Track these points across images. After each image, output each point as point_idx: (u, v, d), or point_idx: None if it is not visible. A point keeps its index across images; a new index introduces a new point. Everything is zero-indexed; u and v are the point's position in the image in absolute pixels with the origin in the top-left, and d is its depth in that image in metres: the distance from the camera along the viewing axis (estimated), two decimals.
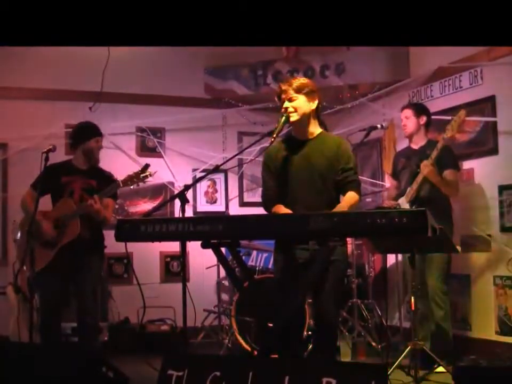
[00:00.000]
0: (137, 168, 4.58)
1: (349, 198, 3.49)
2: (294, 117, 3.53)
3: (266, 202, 3.66)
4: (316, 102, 3.59)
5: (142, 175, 4.46)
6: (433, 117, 5.34)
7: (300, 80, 3.59)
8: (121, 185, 4.48)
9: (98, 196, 4.43)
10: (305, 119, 3.58)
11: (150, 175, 4.50)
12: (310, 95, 3.56)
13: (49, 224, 4.50)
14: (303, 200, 3.50)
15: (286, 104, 3.53)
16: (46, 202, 4.69)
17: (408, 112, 5.01)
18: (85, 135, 4.73)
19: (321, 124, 3.71)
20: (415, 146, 5.03)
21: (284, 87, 3.56)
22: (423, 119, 4.97)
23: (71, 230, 4.45)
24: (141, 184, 4.55)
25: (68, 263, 4.48)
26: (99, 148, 4.75)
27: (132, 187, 4.60)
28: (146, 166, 4.50)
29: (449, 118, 5.39)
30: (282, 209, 3.49)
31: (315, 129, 3.64)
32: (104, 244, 4.74)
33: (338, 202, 3.53)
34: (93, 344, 4.62)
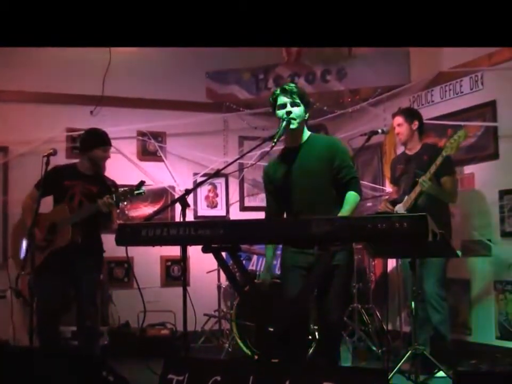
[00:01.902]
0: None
1: (351, 200, 3.49)
2: (294, 125, 3.53)
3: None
4: (309, 112, 3.66)
5: (136, 192, 4.47)
6: (434, 122, 5.35)
7: (301, 88, 3.65)
8: (114, 199, 4.44)
9: (110, 197, 4.44)
10: (300, 128, 3.61)
11: (144, 193, 4.52)
12: (308, 105, 3.62)
13: (41, 228, 4.51)
14: (305, 205, 3.52)
15: (289, 108, 3.53)
16: (48, 204, 4.70)
17: (400, 119, 4.99)
18: (92, 143, 4.69)
19: (321, 128, 3.73)
20: (410, 152, 5.01)
21: (288, 88, 3.55)
22: (416, 124, 4.96)
23: (63, 236, 4.47)
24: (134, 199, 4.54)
25: (60, 267, 4.49)
26: (105, 158, 4.71)
27: (125, 203, 4.61)
28: (142, 183, 4.50)
29: (449, 123, 5.41)
30: None
31: (305, 134, 3.66)
32: (102, 249, 4.74)
33: (339, 199, 3.53)
34: (93, 348, 4.62)
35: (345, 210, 3.43)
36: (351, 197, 3.51)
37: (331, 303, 3.54)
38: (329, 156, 3.54)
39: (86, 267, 4.56)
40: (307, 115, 3.62)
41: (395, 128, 5.05)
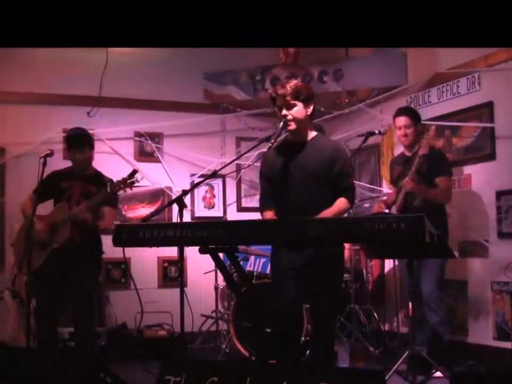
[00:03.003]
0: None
1: (336, 206, 3.49)
2: (292, 126, 3.54)
3: (260, 208, 3.73)
4: (312, 107, 3.60)
5: (129, 181, 4.44)
6: (431, 122, 5.34)
7: (296, 84, 3.56)
8: (109, 191, 4.44)
9: (85, 204, 4.44)
10: (301, 125, 3.59)
11: (137, 181, 4.49)
12: (306, 101, 3.56)
13: (43, 226, 4.51)
14: (298, 203, 3.51)
15: (285, 112, 3.52)
16: (49, 208, 4.71)
17: (408, 121, 4.85)
18: (71, 145, 4.72)
19: (319, 129, 3.72)
20: (408, 153, 4.98)
21: (280, 92, 3.52)
22: (420, 126, 4.93)
23: (62, 235, 4.47)
24: (128, 189, 4.51)
25: (59, 267, 4.48)
26: (81, 161, 4.69)
27: (119, 193, 4.59)
28: (134, 172, 4.48)
29: (446, 124, 5.42)
30: (267, 216, 3.59)
31: (309, 131, 3.66)
32: (101, 250, 4.74)
33: (332, 204, 3.52)
34: (90, 349, 4.62)
35: (328, 212, 3.42)
36: (340, 202, 3.51)
37: (325, 304, 3.54)
38: (331, 161, 3.54)
39: (84, 267, 4.56)
40: (309, 110, 3.58)
41: (400, 128, 4.90)
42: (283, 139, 3.83)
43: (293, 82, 3.60)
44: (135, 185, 4.47)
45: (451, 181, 4.99)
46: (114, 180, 4.52)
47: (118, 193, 4.54)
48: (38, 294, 4.51)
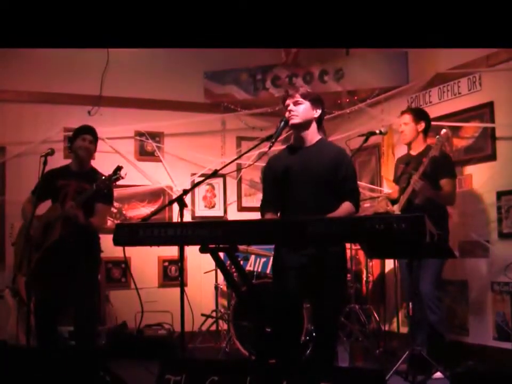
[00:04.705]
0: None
1: (342, 209, 3.49)
2: (295, 120, 3.57)
3: (261, 212, 3.75)
4: (319, 111, 3.65)
5: (113, 177, 4.45)
6: (432, 122, 5.34)
7: (309, 90, 3.68)
8: (94, 188, 4.45)
9: (74, 201, 4.44)
10: (305, 125, 3.62)
11: (122, 177, 4.49)
12: (315, 103, 3.62)
13: (37, 226, 4.51)
14: (303, 207, 3.51)
15: (291, 107, 3.58)
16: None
17: (407, 118, 4.93)
18: (74, 135, 4.75)
19: (322, 133, 3.74)
20: (413, 152, 4.99)
21: (291, 92, 3.63)
22: (422, 126, 4.92)
23: (53, 233, 4.47)
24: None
25: (55, 265, 4.48)
26: (87, 148, 4.69)
27: (113, 189, 4.63)
28: (118, 168, 4.49)
29: (447, 124, 5.42)
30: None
31: (314, 136, 3.67)
32: (99, 248, 4.73)
33: (336, 209, 3.51)
34: (90, 348, 4.61)
35: (333, 215, 3.41)
36: (346, 206, 3.51)
37: (326, 304, 3.54)
38: (335, 166, 3.55)
39: (82, 266, 4.55)
40: (315, 112, 3.63)
41: (400, 125, 4.99)
42: (288, 143, 3.84)
43: (306, 88, 3.73)
44: (119, 181, 4.49)
45: (455, 183, 4.99)
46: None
47: (107, 189, 4.55)
48: (36, 294, 4.50)
